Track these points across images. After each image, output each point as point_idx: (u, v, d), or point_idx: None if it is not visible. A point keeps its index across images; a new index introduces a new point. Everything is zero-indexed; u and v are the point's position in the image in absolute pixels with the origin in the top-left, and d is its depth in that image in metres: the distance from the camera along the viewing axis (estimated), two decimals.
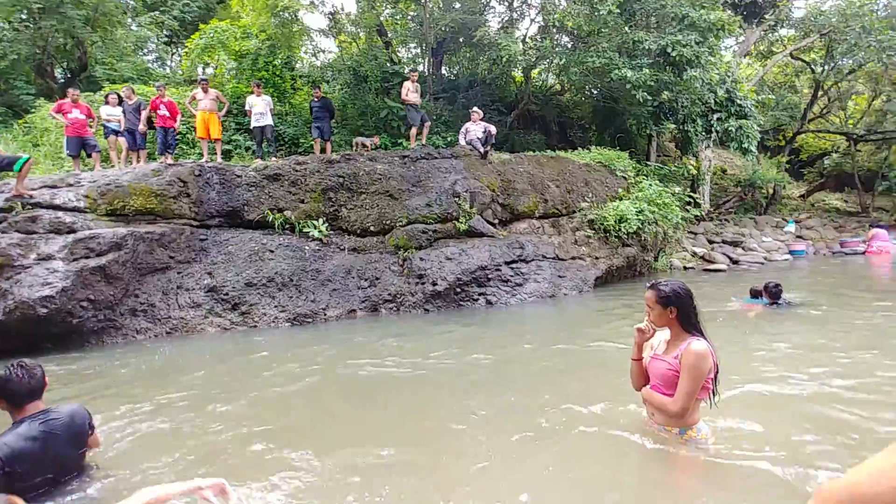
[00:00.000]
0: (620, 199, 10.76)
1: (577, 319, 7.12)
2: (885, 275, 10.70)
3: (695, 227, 14.71)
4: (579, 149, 12.85)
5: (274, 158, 8.95)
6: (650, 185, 11.44)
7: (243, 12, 14.15)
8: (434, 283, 7.92)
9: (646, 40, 11.50)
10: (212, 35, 13.12)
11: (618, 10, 11.20)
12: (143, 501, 1.72)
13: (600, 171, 11.41)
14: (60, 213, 6.51)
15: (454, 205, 8.73)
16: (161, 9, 15.73)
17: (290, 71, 13.39)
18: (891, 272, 10.93)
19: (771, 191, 19.45)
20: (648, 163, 14.02)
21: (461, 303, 8.05)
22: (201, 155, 9.06)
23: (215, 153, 9.09)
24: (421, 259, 8.14)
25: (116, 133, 8.61)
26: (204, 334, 6.68)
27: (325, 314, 7.45)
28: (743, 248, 14.10)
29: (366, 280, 7.93)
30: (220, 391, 4.11)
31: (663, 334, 2.50)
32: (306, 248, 7.89)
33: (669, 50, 11.26)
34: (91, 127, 8.23)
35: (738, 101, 13.17)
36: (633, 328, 2.51)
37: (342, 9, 15.10)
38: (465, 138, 10.13)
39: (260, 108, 9.08)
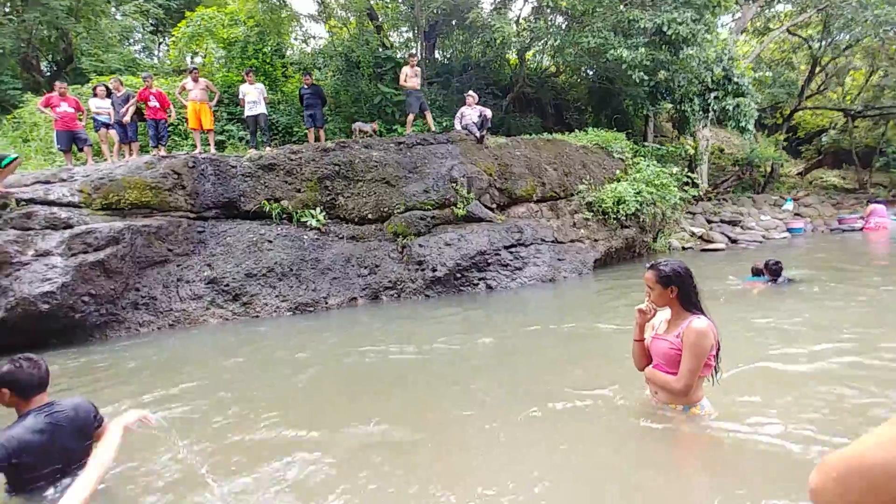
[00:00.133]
0: (618, 181, 10.72)
1: (577, 302, 7.16)
2: (884, 251, 10.74)
3: (693, 208, 14.69)
4: (576, 131, 12.75)
5: (268, 148, 8.86)
6: (648, 166, 11.39)
7: None
8: (434, 270, 7.93)
9: (641, 19, 11.31)
10: (199, 23, 12.85)
11: None
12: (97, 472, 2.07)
13: (597, 153, 11.34)
14: (55, 209, 6.45)
15: (451, 190, 8.69)
16: None
17: (280, 58, 13.17)
18: (889, 248, 10.98)
19: (769, 169, 19.40)
20: (646, 144, 13.92)
21: (461, 288, 8.08)
22: (194, 146, 8.96)
23: (208, 144, 8.98)
24: (420, 245, 8.14)
25: (107, 126, 8.49)
26: (206, 326, 6.70)
27: (327, 303, 7.46)
28: (741, 227, 14.12)
29: (365, 268, 7.93)
30: (228, 380, 4.14)
31: (664, 314, 2.52)
32: (305, 237, 7.87)
33: (665, 28, 11.09)
34: (81, 120, 8.11)
35: (736, 79, 13.03)
36: (634, 309, 2.52)
37: None
38: (460, 123, 10.02)
39: (253, 97, 8.94)
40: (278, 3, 12.35)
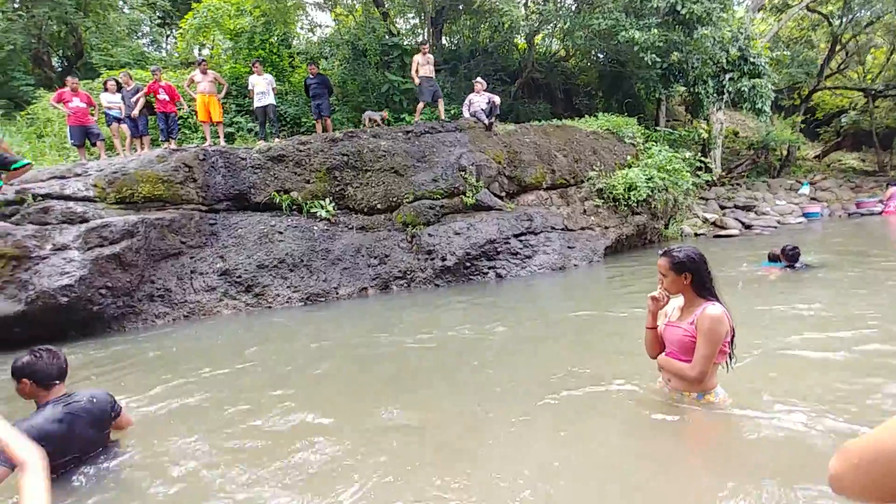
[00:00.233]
0: (629, 167, 10.56)
1: (588, 290, 7.12)
2: None
3: (706, 193, 14.44)
4: (586, 116, 12.56)
5: (277, 139, 8.88)
6: (660, 151, 11.19)
7: None
8: (443, 259, 7.93)
9: None
10: (205, 14, 12.82)
11: None
12: None
13: (608, 138, 11.17)
14: (71, 203, 6.57)
15: (460, 179, 8.64)
16: None
17: (287, 48, 13.12)
18: None
19: (785, 152, 18.93)
20: (658, 128, 13.66)
21: (471, 277, 8.08)
22: (204, 139, 9.01)
23: (218, 136, 9.03)
24: (429, 235, 8.13)
25: (118, 120, 8.58)
26: (220, 317, 6.81)
27: (338, 293, 7.53)
28: (756, 213, 13.86)
29: (375, 258, 7.97)
30: (244, 369, 4.22)
31: (676, 301, 2.49)
32: (315, 228, 7.91)
33: (679, 7, 10.80)
34: (93, 115, 8.19)
35: (752, 60, 12.69)
36: (647, 297, 2.50)
37: None
38: (468, 110, 9.92)
39: (262, 88, 8.94)
40: None
